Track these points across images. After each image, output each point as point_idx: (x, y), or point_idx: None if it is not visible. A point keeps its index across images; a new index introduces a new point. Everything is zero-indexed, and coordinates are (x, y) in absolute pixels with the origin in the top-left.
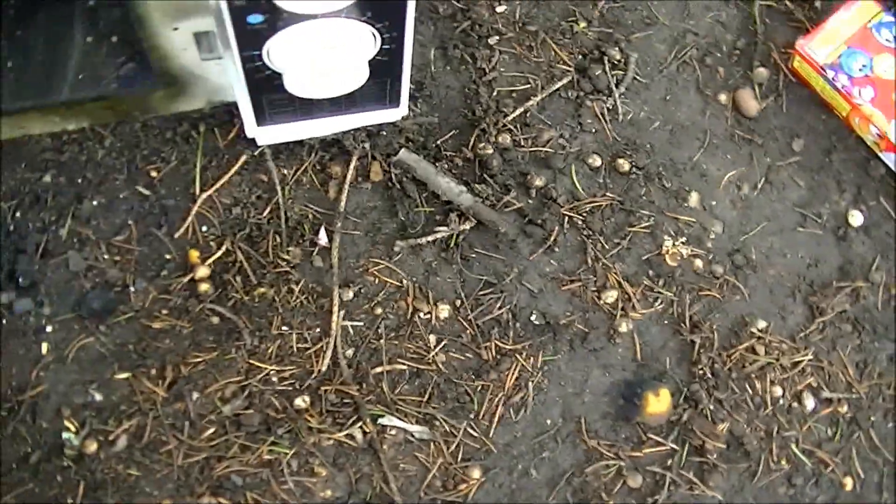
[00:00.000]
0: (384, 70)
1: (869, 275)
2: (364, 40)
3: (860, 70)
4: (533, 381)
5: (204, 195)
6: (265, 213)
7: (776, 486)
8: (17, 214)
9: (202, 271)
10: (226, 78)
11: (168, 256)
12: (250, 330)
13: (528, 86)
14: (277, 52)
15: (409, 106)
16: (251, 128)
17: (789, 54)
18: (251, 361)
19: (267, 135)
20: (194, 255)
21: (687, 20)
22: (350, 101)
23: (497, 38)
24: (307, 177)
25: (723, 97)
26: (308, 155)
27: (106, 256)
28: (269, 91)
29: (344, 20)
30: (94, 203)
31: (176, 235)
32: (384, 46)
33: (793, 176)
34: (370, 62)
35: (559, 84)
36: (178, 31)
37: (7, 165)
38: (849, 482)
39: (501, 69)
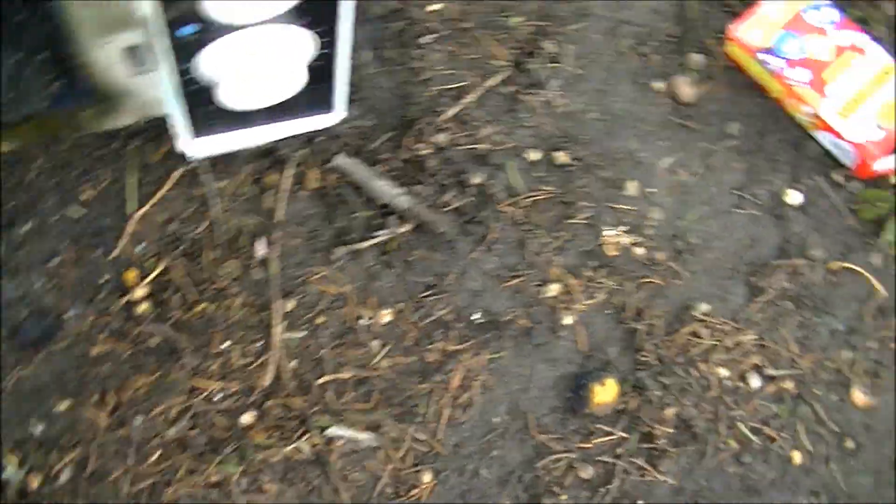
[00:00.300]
0: (320, 74)
1: (807, 252)
2: (300, 45)
3: (794, 52)
4: (479, 380)
5: (139, 213)
6: (202, 228)
7: (726, 465)
8: None
9: (140, 292)
10: (158, 92)
11: (104, 279)
12: (191, 349)
13: (464, 83)
14: (210, 63)
15: (344, 110)
16: (184, 141)
17: (723, 40)
18: (194, 381)
19: (201, 147)
20: (131, 275)
21: (622, 10)
22: (285, 108)
23: (431, 36)
24: (243, 188)
25: (659, 85)
26: (243, 165)
27: (40, 283)
28: (202, 103)
29: (279, 26)
30: (26, 228)
31: (111, 256)
32: (321, 51)
33: (729, 159)
34: (306, 67)
35: (495, 80)
36: (108, 46)
37: None
38: (797, 456)
39: (437, 68)
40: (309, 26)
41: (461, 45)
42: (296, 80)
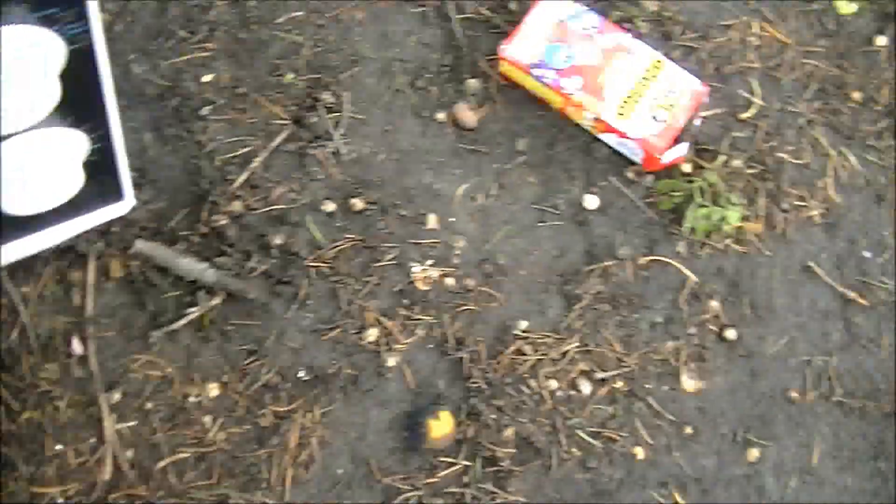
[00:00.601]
0: (100, 168)
1: (614, 252)
2: (72, 144)
3: (564, 62)
4: (315, 436)
5: None
6: (13, 336)
7: (573, 473)
8: None
9: None
10: None
11: None
12: (24, 458)
13: (249, 148)
14: None
15: (134, 195)
16: None
17: (496, 61)
18: (33, 489)
19: None
20: None
21: (390, 49)
22: (73, 206)
23: (209, 107)
24: (48, 289)
25: (441, 115)
26: (44, 267)
27: None
28: None
29: (45, 130)
30: None
31: None
32: (94, 146)
33: (523, 175)
34: (84, 164)
35: (279, 139)
36: None
37: None
38: (640, 452)
39: (219, 138)
40: (76, 125)
41: (240, 111)
42: (77, 179)
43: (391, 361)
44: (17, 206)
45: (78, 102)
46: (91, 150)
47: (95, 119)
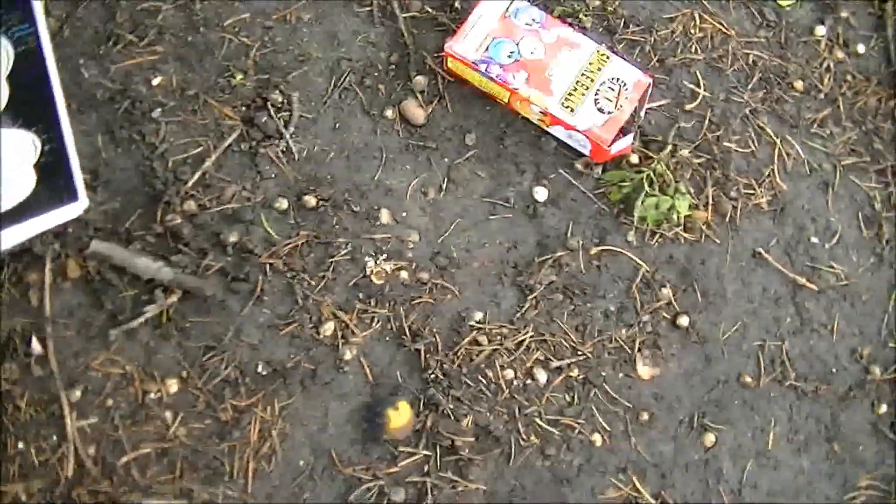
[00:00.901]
0: (52, 170)
1: (566, 243)
2: (23, 146)
3: (509, 57)
4: (276, 429)
5: None
6: None
7: (532, 461)
8: None
9: None
10: None
11: None
12: None
13: (201, 148)
14: None
15: (88, 196)
16: None
17: (442, 58)
18: None
19: None
20: None
21: (338, 48)
22: (27, 208)
23: (160, 109)
24: (5, 291)
25: (389, 113)
26: (1, 269)
27: None
28: None
29: None
30: None
31: None
32: (45, 147)
33: (473, 169)
34: (35, 167)
35: (230, 139)
36: None
37: None
38: (597, 438)
39: (171, 139)
40: (26, 126)
41: (191, 113)
42: (28, 181)
43: (349, 354)
44: None
45: (27, 104)
46: (43, 151)
47: (46, 121)
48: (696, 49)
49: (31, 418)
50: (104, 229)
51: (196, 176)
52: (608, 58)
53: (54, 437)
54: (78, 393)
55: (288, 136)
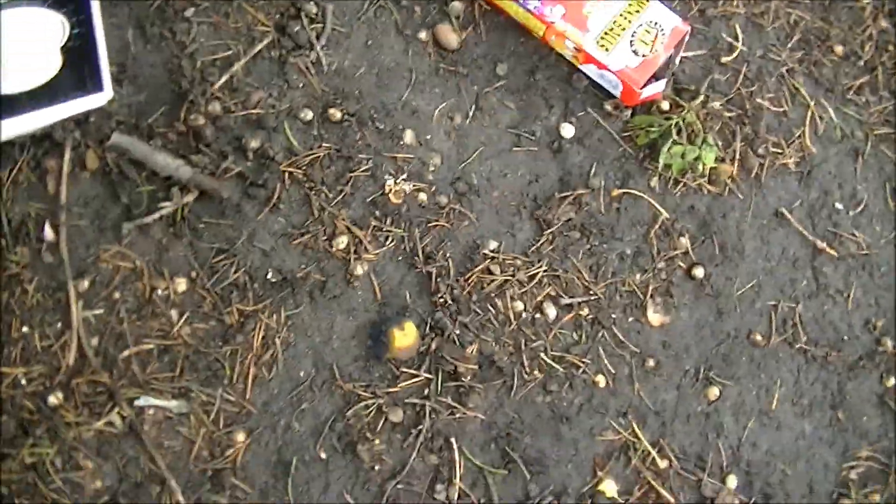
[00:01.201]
0: (79, 56)
1: (588, 182)
2: (51, 28)
3: None
4: (280, 338)
5: None
6: None
7: (533, 395)
8: None
9: None
10: None
11: None
12: None
13: (231, 52)
14: None
15: (113, 89)
16: None
17: None
18: None
19: None
20: None
21: None
22: (49, 92)
23: (193, 9)
24: (23, 175)
25: (422, 35)
26: (20, 153)
27: None
28: None
29: (26, 9)
30: None
31: None
32: (74, 31)
33: (502, 99)
34: (62, 50)
35: (260, 46)
36: None
37: None
38: (601, 379)
39: (201, 40)
40: (55, 7)
41: (223, 16)
42: (53, 64)
43: (359, 270)
44: None
45: None
46: (70, 35)
47: (76, 5)
48: (737, 3)
49: (38, 304)
50: (126, 123)
51: (223, 79)
52: (648, 1)
53: (59, 325)
54: (86, 283)
55: (319, 48)
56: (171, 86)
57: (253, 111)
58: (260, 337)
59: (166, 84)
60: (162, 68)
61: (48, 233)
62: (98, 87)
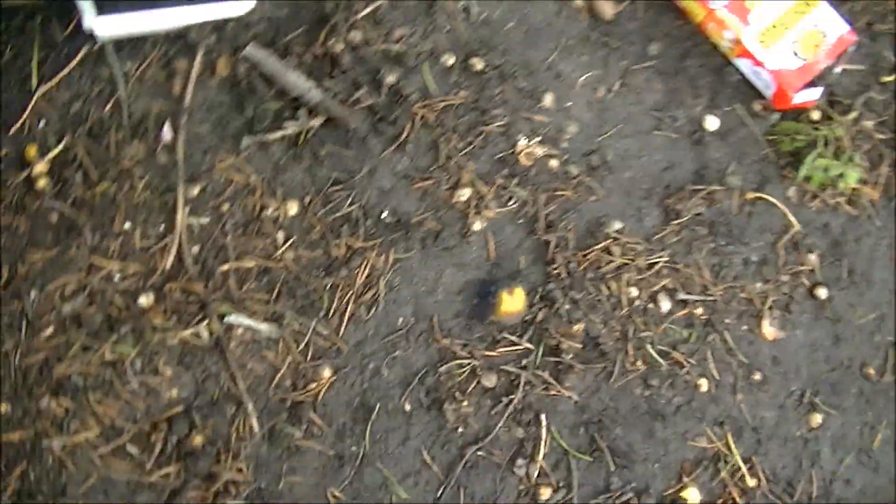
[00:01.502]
0: None
1: (724, 179)
2: None
3: None
4: (384, 280)
5: (42, 89)
6: (107, 109)
7: (632, 386)
8: None
9: (40, 167)
10: None
11: (4, 152)
12: (91, 227)
13: None
14: None
15: (256, 0)
16: (90, 19)
17: None
18: (92, 259)
19: (107, 27)
20: (32, 150)
21: None
22: None
23: None
24: (151, 71)
25: (578, 1)
26: (152, 49)
27: None
28: None
29: None
30: None
31: (12, 131)
32: None
33: (649, 80)
34: None
35: None
36: None
37: None
38: (704, 383)
39: None
40: None
41: None
42: None
43: (477, 226)
44: None
45: None
46: None
47: None
48: None
49: (145, 203)
50: (263, 36)
51: (369, 8)
52: (818, 2)
53: (162, 227)
54: (196, 190)
55: None
56: (315, 7)
57: (393, 46)
58: (364, 275)
59: (310, 4)
60: None
61: (166, 133)
62: None
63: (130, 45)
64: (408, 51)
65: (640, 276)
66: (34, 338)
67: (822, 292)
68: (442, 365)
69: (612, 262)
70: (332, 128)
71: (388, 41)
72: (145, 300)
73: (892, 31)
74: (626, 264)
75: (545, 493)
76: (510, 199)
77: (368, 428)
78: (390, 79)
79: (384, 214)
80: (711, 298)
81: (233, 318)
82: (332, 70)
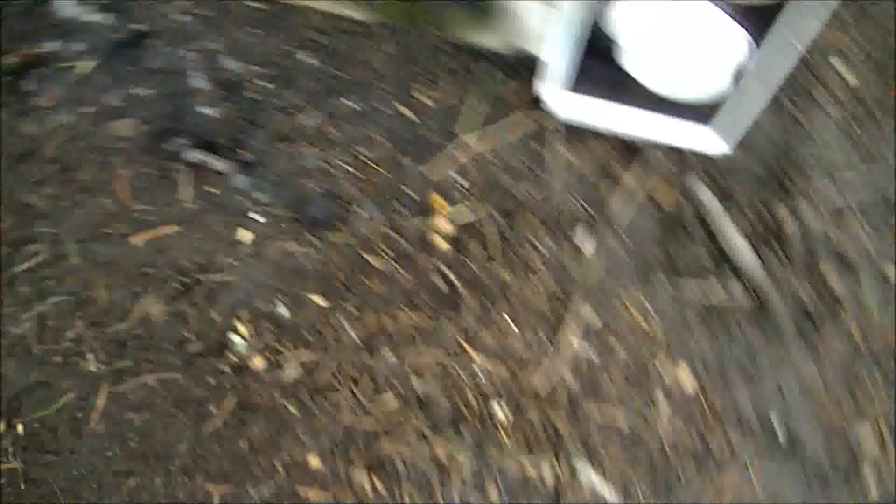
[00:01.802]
0: (736, 101)
1: None
2: (731, 44)
3: None
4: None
5: (467, 139)
6: (529, 188)
7: None
8: (263, 84)
9: (444, 226)
10: (543, 25)
11: (409, 192)
12: (471, 307)
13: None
14: (624, 17)
15: (732, 145)
16: (551, 91)
17: None
18: (461, 342)
19: (565, 105)
20: (438, 201)
21: None
22: (677, 109)
23: (827, 97)
24: (586, 166)
25: None
26: (598, 147)
27: (343, 164)
28: (593, 58)
29: (712, 8)
30: (349, 103)
31: (426, 173)
32: (748, 58)
33: None
34: (734, 74)
35: None
36: None
37: (269, 28)
38: None
39: (823, 134)
40: (746, 23)
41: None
42: (715, 84)
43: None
44: (638, 71)
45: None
46: (744, 58)
47: (760, 25)
48: None
49: (534, 303)
50: (710, 174)
51: (825, 181)
52: None
53: (543, 337)
54: (589, 312)
55: None
56: (775, 166)
57: (846, 245)
58: (732, 483)
59: (771, 162)
60: (771, 141)
61: (581, 236)
62: (727, 135)
63: (576, 133)
64: (857, 256)
65: None
66: (370, 401)
67: None
68: None
69: None
70: (756, 309)
71: (840, 230)
72: (499, 408)
73: None
74: None
75: None
76: None
77: None
78: (832, 279)
79: (773, 422)
80: None
81: (580, 467)
82: (772, 241)
